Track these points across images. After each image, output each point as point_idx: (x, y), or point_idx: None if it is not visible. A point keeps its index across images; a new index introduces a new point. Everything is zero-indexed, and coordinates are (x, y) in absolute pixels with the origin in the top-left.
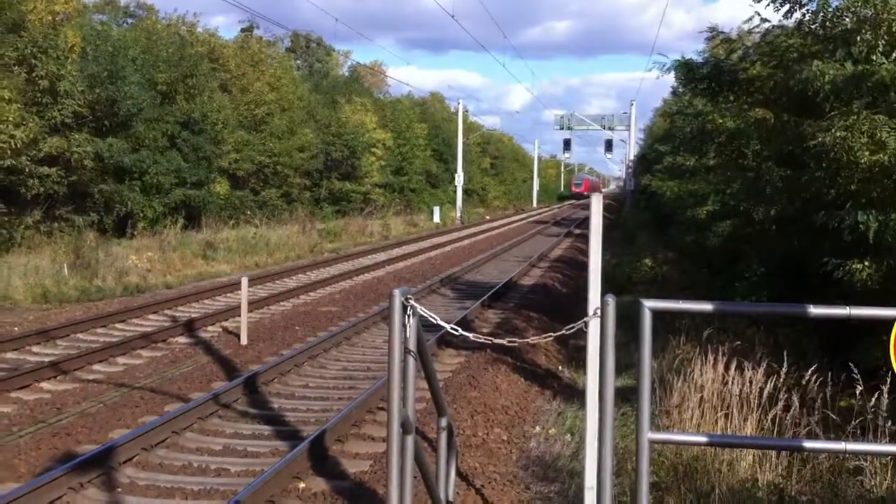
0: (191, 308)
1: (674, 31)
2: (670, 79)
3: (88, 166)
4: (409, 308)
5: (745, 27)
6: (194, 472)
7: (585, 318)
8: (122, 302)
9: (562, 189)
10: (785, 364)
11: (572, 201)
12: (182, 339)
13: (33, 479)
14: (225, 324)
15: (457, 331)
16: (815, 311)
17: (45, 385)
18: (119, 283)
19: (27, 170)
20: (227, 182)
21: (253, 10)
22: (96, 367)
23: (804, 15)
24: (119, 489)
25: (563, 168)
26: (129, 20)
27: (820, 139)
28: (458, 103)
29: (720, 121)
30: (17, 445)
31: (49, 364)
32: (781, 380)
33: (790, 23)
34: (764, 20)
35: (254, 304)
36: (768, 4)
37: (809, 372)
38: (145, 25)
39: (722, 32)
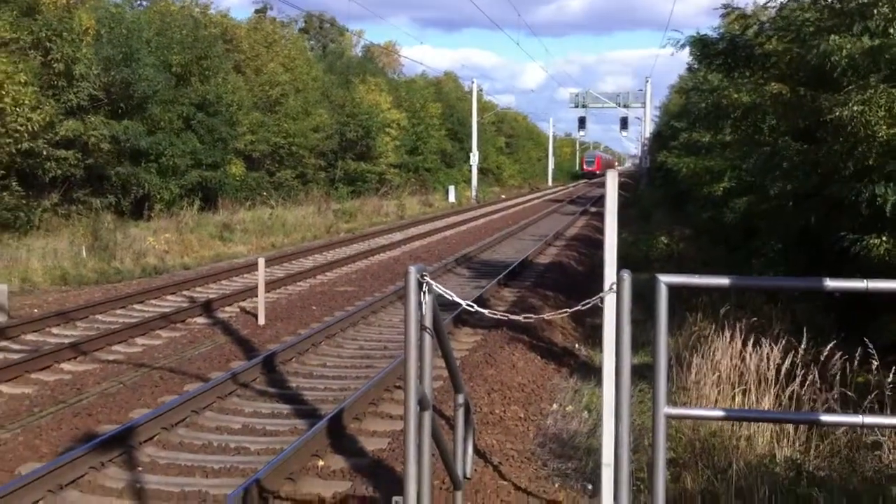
0: (208, 289)
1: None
2: (686, 55)
3: (105, 149)
4: (424, 285)
5: (761, 1)
6: (214, 451)
7: (601, 294)
8: (140, 283)
9: (576, 167)
10: (803, 340)
11: (587, 180)
12: (200, 320)
13: (55, 458)
14: (242, 304)
15: (472, 307)
16: (831, 284)
17: (65, 366)
18: (137, 264)
19: (44, 153)
20: (243, 163)
21: None
22: (116, 347)
23: None
24: (140, 468)
25: (578, 146)
26: (144, 3)
27: (837, 113)
28: (473, 82)
29: (735, 96)
30: (38, 426)
31: (69, 345)
32: (798, 356)
33: None
34: None
35: (271, 285)
36: None
37: (827, 348)
38: (159, 8)
39: (737, 9)
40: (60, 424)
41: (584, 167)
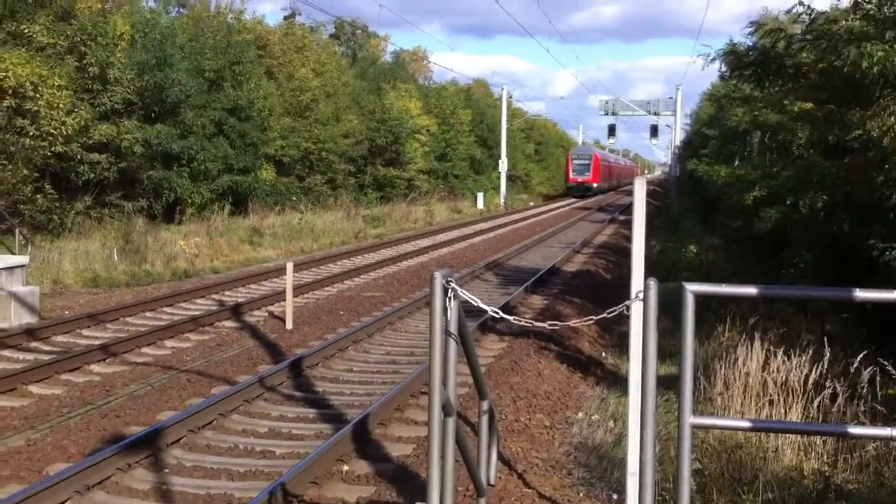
0: (237, 293)
1: (724, 13)
2: (717, 64)
3: (138, 153)
4: (450, 291)
5: (793, 11)
6: (240, 454)
7: (627, 302)
8: (170, 286)
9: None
10: (827, 352)
11: (577, 197)
12: (229, 323)
13: (83, 459)
14: (270, 308)
15: (497, 314)
16: (861, 294)
17: (95, 367)
18: (167, 267)
19: (78, 156)
20: (274, 168)
21: None
22: (145, 350)
23: None
24: (166, 470)
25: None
26: (181, 9)
27: (867, 128)
28: (503, 89)
29: (762, 119)
30: (67, 426)
31: (99, 347)
32: (827, 367)
33: (844, 4)
34: (810, 7)
35: (299, 289)
36: None
37: (857, 360)
38: (193, 13)
39: (764, 25)
40: (89, 425)
41: (571, 176)
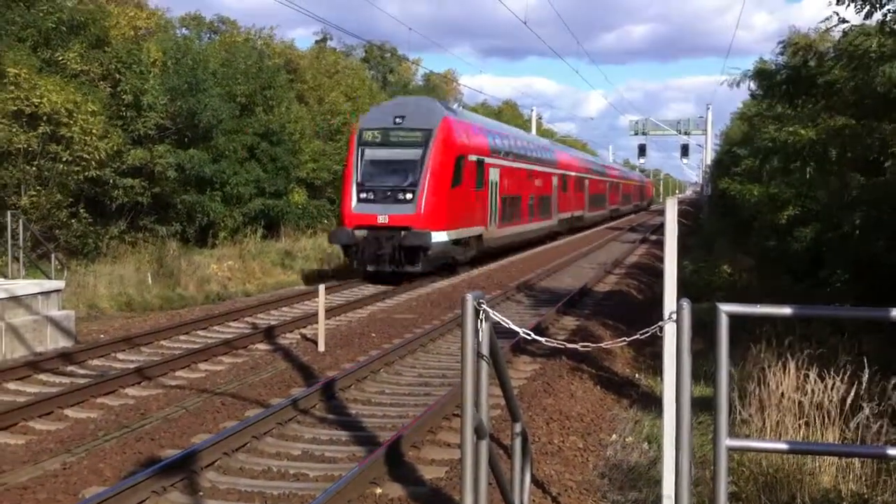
0: (270, 315)
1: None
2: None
3: (171, 177)
4: (481, 313)
5: (823, 26)
6: (273, 477)
7: (660, 323)
8: (203, 310)
9: None
10: (866, 372)
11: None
12: (262, 346)
13: (118, 482)
14: (303, 331)
15: (529, 335)
16: None
17: (129, 391)
18: (200, 291)
19: (112, 181)
20: (305, 191)
21: (328, 22)
22: (179, 373)
23: (885, 15)
24: (201, 493)
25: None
26: (214, 35)
27: None
28: (532, 111)
29: (797, 136)
30: (102, 449)
31: (134, 370)
32: (864, 388)
33: (871, 23)
34: (843, 20)
35: (331, 312)
36: (848, 5)
37: (893, 381)
38: (224, 39)
39: (794, 42)
40: (124, 448)
41: (353, 209)
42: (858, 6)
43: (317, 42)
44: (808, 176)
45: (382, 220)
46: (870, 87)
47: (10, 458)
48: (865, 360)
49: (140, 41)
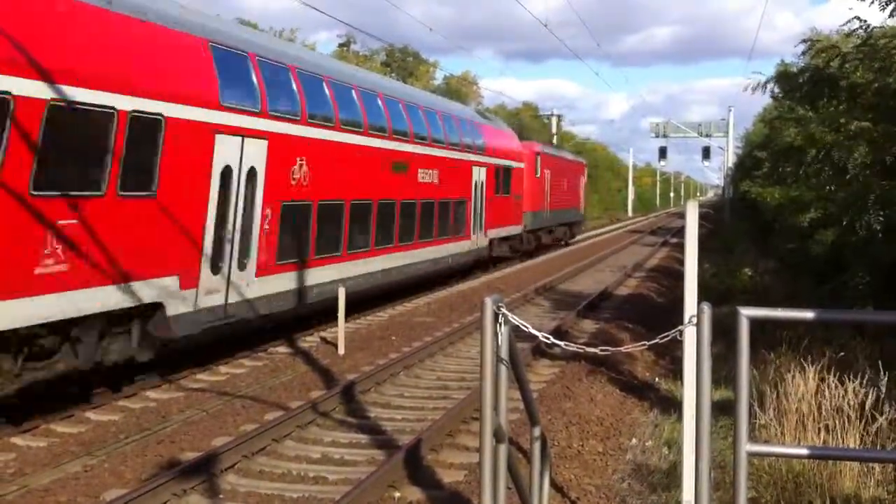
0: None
1: (780, 33)
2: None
3: None
4: (500, 316)
5: (846, 28)
6: (293, 480)
7: (680, 327)
8: None
9: (656, 199)
10: (885, 376)
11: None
12: (282, 349)
13: (139, 485)
14: (323, 334)
15: (548, 339)
16: None
17: (150, 394)
18: None
19: None
20: None
21: (351, 25)
22: (200, 376)
23: None
24: (221, 496)
25: (658, 176)
26: None
27: None
28: (552, 113)
29: (817, 137)
30: (123, 452)
31: (155, 373)
32: (885, 392)
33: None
34: (865, 22)
35: (351, 315)
36: (871, 3)
37: None
38: None
39: (817, 42)
40: (145, 451)
41: None
42: (882, 4)
43: (340, 45)
44: (825, 176)
45: None
46: (892, 88)
47: (31, 460)
48: (880, 364)
49: None
